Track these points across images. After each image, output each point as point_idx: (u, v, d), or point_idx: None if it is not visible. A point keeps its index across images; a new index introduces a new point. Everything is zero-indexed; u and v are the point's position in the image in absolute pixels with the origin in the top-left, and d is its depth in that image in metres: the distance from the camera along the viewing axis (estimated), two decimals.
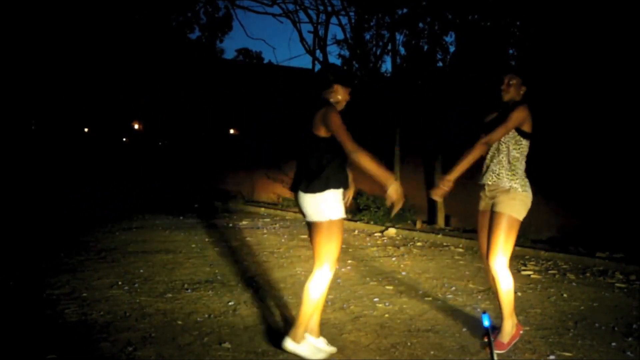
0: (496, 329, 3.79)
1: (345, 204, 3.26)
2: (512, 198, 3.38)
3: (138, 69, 21.60)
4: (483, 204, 3.63)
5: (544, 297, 4.84)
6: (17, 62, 19.73)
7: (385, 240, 7.80)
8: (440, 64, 11.82)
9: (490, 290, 4.97)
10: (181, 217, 9.69)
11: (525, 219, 3.48)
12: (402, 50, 12.06)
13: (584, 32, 7.76)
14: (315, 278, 3.21)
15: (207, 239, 7.53)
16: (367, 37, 12.59)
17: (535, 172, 3.69)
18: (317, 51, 12.80)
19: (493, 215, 3.44)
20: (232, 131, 16.50)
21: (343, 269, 5.83)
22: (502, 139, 3.44)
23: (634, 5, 7.06)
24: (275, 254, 6.65)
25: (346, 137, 3.03)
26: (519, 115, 3.37)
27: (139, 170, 19.82)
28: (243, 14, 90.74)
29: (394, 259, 6.46)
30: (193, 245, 7.03)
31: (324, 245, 3.18)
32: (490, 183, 3.49)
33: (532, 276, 5.59)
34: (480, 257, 6.58)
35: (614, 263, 6.01)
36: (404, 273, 5.73)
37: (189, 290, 4.83)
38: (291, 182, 3.39)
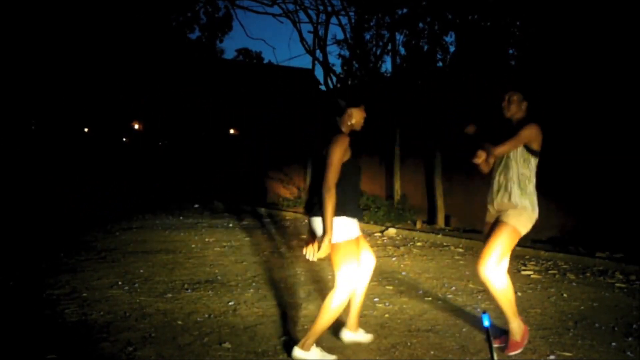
0: (500, 330, 3.80)
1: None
2: (520, 214, 3.38)
3: (138, 69, 21.61)
4: (489, 216, 3.62)
5: (544, 297, 4.84)
6: (17, 62, 19.72)
7: (385, 240, 7.80)
8: (440, 64, 11.84)
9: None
10: (181, 217, 9.69)
11: None
12: (402, 50, 12.08)
13: (583, 31, 7.76)
14: (334, 294, 3.21)
15: (207, 239, 7.53)
16: (367, 37, 12.61)
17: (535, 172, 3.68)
18: (317, 51, 12.81)
19: (497, 224, 3.43)
20: (232, 131, 16.52)
21: None
22: (511, 156, 3.42)
23: (633, 4, 7.06)
24: (276, 254, 6.65)
25: (330, 174, 3.07)
26: (530, 133, 3.35)
27: (139, 170, 19.84)
28: (243, 14, 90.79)
29: (394, 259, 6.46)
30: (193, 246, 7.03)
31: (340, 265, 3.18)
32: (499, 201, 3.47)
33: (532, 276, 5.59)
34: None
35: (614, 263, 6.01)
36: (404, 273, 5.73)
37: (189, 290, 4.83)
38: (305, 203, 3.41)
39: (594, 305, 4.59)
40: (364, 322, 4.02)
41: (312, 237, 3.31)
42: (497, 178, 3.52)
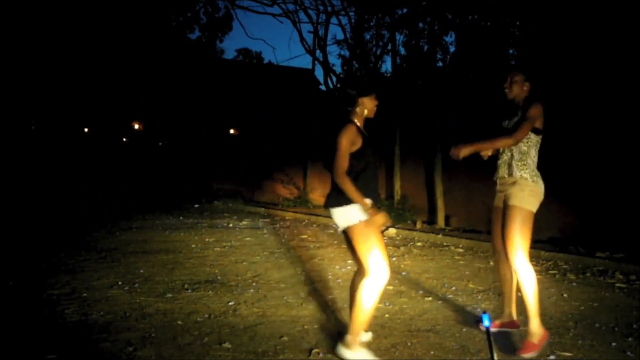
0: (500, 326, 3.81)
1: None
2: (521, 189, 3.39)
3: (138, 69, 21.62)
4: (496, 200, 3.65)
5: (544, 297, 4.83)
6: (18, 62, 19.73)
7: (385, 240, 7.76)
8: (440, 64, 11.85)
9: (491, 290, 4.98)
10: (181, 217, 9.69)
11: None
12: (402, 50, 12.09)
13: (583, 31, 7.76)
14: (366, 283, 3.14)
15: (207, 239, 7.53)
16: (367, 37, 12.61)
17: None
18: (317, 51, 12.81)
19: (505, 210, 3.45)
20: (232, 131, 16.52)
21: (343, 269, 5.83)
22: None
23: (633, 4, 7.06)
24: (276, 254, 6.65)
25: (338, 161, 3.08)
26: (537, 111, 3.40)
27: (139, 170, 19.84)
28: (243, 14, 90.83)
29: (394, 259, 6.45)
30: (193, 246, 7.03)
31: (363, 250, 3.15)
32: (502, 176, 3.54)
33: None
34: (480, 257, 6.59)
35: (614, 263, 6.01)
36: (404, 273, 5.73)
37: (189, 290, 4.83)
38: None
39: (594, 306, 4.59)
40: None
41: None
42: (500, 156, 3.58)
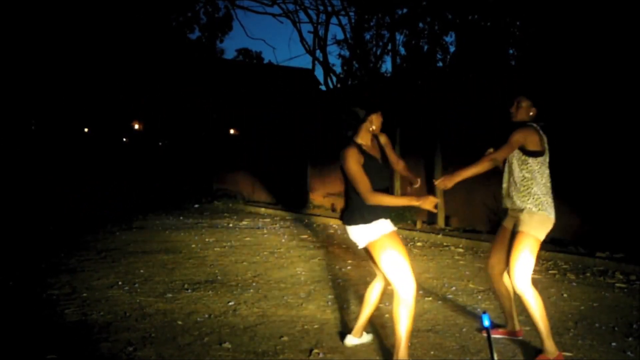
0: (498, 325, 3.81)
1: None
2: (530, 217, 3.36)
3: (138, 69, 21.62)
4: (507, 221, 3.61)
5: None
6: (18, 62, 19.73)
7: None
8: (440, 64, 11.86)
9: (491, 291, 4.98)
10: (181, 217, 9.69)
11: None
12: (402, 50, 12.10)
13: (583, 31, 7.76)
14: (399, 300, 3.08)
15: (207, 239, 7.53)
16: (367, 37, 12.64)
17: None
18: (317, 51, 12.82)
19: (514, 236, 3.41)
20: (232, 131, 16.51)
21: (343, 269, 5.83)
22: (511, 160, 3.44)
23: (633, 5, 7.06)
24: (276, 254, 6.65)
25: (360, 185, 3.05)
26: (518, 137, 3.34)
27: (139, 170, 19.84)
28: (243, 14, 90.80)
29: None
30: (193, 246, 7.03)
31: (387, 264, 3.10)
32: (509, 207, 3.51)
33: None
34: (480, 257, 6.59)
35: (614, 263, 6.01)
36: None
37: (189, 291, 4.83)
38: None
39: (594, 305, 4.59)
40: None
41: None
42: (504, 184, 3.54)
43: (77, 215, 9.62)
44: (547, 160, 3.45)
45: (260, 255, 6.51)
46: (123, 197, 13.28)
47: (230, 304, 4.45)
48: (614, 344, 3.65)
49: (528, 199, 3.38)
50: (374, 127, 3.26)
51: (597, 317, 4.25)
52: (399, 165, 3.51)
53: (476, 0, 9.67)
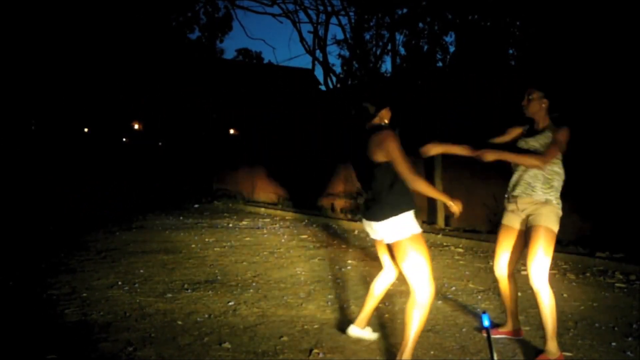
0: (498, 325, 3.81)
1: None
2: (550, 210, 3.34)
3: (138, 69, 21.62)
4: (510, 219, 3.54)
5: None
6: (18, 62, 19.73)
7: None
8: (440, 63, 11.86)
9: (491, 290, 4.98)
10: (181, 217, 9.69)
11: None
12: (402, 50, 12.11)
13: (584, 31, 7.76)
14: (415, 302, 3.08)
15: (207, 239, 7.53)
16: (367, 37, 12.65)
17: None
18: (317, 51, 12.82)
19: (531, 230, 3.35)
20: (232, 131, 16.52)
21: (343, 269, 5.83)
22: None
23: (633, 5, 7.06)
24: (275, 254, 6.65)
25: (404, 166, 3.03)
26: (566, 136, 3.36)
27: (139, 170, 19.82)
28: (243, 14, 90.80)
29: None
30: (193, 246, 7.03)
31: (410, 265, 3.08)
32: (523, 195, 3.42)
33: None
34: (480, 257, 6.59)
35: (614, 263, 6.01)
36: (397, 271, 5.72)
37: (189, 291, 4.83)
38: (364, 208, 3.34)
39: (594, 305, 4.59)
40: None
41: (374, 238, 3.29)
42: (519, 174, 3.47)
43: (77, 215, 9.62)
44: None
45: (260, 255, 6.51)
46: (123, 197, 13.28)
47: (230, 304, 4.45)
48: (613, 343, 3.66)
49: (551, 192, 3.38)
50: (385, 121, 3.26)
51: (597, 317, 4.25)
52: None
53: (476, 1, 9.67)
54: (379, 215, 3.10)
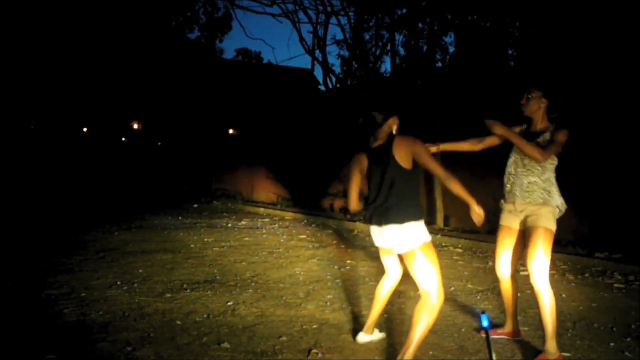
0: (496, 325, 3.81)
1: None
2: (548, 211, 3.35)
3: (137, 68, 21.61)
4: (508, 219, 3.55)
5: None
6: (17, 61, 19.71)
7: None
8: (440, 64, 11.86)
9: (489, 291, 4.98)
10: (180, 217, 9.69)
11: None
12: (402, 51, 12.12)
13: (583, 31, 7.76)
14: (425, 305, 3.09)
15: (206, 239, 7.53)
16: (367, 37, 12.65)
17: None
18: (317, 51, 12.82)
19: (530, 231, 3.36)
20: (231, 131, 16.52)
21: (342, 269, 5.83)
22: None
23: (632, 5, 7.06)
24: (274, 254, 6.65)
25: (439, 167, 3.07)
26: (565, 138, 3.35)
27: (138, 170, 19.82)
28: (242, 14, 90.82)
29: None
30: (192, 245, 7.03)
31: (423, 273, 3.09)
32: (522, 198, 3.43)
33: None
34: (479, 257, 6.59)
35: (613, 263, 6.02)
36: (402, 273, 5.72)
37: (188, 290, 4.83)
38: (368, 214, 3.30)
39: (593, 306, 4.59)
40: (363, 323, 4.02)
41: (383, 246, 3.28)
42: (514, 178, 3.47)
43: (76, 215, 9.61)
44: None
45: (259, 255, 6.51)
46: (122, 197, 13.27)
47: (229, 303, 4.45)
48: (612, 344, 3.66)
49: (551, 195, 3.39)
50: (394, 128, 3.26)
51: (595, 317, 4.26)
52: None
53: (475, 1, 9.67)
54: (396, 218, 3.07)
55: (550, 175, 3.43)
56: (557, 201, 3.41)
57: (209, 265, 5.91)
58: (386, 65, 19.93)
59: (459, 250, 7.14)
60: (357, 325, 3.98)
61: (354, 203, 3.38)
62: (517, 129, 3.59)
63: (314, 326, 3.94)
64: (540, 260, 3.29)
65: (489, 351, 2.49)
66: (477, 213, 3.10)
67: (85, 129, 27.67)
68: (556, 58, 8.00)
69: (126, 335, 3.63)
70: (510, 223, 3.55)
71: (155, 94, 22.86)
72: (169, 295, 4.66)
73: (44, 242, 6.98)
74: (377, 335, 3.65)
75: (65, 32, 19.25)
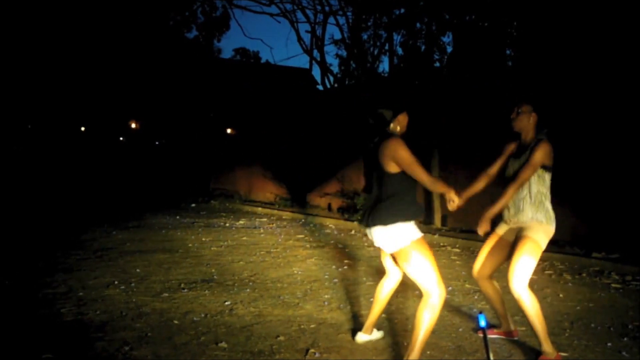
0: (494, 325, 3.82)
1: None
2: (540, 228, 3.35)
3: (135, 68, 21.58)
4: (502, 228, 3.57)
5: (540, 297, 4.82)
6: (15, 61, 19.67)
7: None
8: (438, 64, 11.87)
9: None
10: (178, 217, 9.67)
11: None
12: (400, 51, 12.12)
13: (581, 31, 7.77)
14: (426, 304, 3.09)
15: (203, 239, 7.52)
16: (365, 37, 12.65)
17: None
18: (315, 51, 12.82)
19: (518, 240, 3.37)
20: (229, 131, 16.52)
21: (340, 269, 5.83)
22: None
23: (631, 5, 7.07)
24: (272, 253, 6.65)
25: (420, 172, 3.02)
26: (543, 154, 3.31)
27: (136, 169, 19.79)
28: (240, 14, 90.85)
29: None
30: (190, 245, 7.02)
31: (417, 272, 3.08)
32: (513, 218, 3.45)
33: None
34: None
35: (610, 263, 6.03)
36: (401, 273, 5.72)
37: (186, 290, 4.82)
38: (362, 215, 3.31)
39: (590, 306, 4.60)
40: (361, 322, 4.03)
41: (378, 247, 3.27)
42: (517, 197, 3.45)
43: (74, 215, 9.59)
44: None
45: (256, 255, 6.50)
46: (119, 197, 13.25)
47: (226, 303, 4.45)
48: (609, 344, 3.67)
49: (541, 212, 3.37)
50: (399, 128, 3.25)
51: (593, 317, 4.26)
52: None
53: (473, 1, 9.68)
54: (381, 219, 3.08)
55: (541, 187, 3.39)
56: (545, 216, 3.37)
57: (207, 264, 5.91)
58: (384, 65, 20.07)
59: (457, 250, 7.14)
60: (355, 324, 3.98)
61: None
62: (513, 146, 3.57)
63: (312, 326, 3.94)
64: (521, 268, 3.27)
65: (487, 351, 2.49)
66: (453, 200, 3.08)
67: (82, 129, 27.63)
68: (555, 58, 8.00)
69: (124, 335, 3.62)
70: (503, 232, 3.57)
71: (153, 94, 22.84)
72: (166, 294, 4.66)
73: (42, 241, 6.96)
74: (376, 335, 3.65)
75: (63, 31, 19.22)
